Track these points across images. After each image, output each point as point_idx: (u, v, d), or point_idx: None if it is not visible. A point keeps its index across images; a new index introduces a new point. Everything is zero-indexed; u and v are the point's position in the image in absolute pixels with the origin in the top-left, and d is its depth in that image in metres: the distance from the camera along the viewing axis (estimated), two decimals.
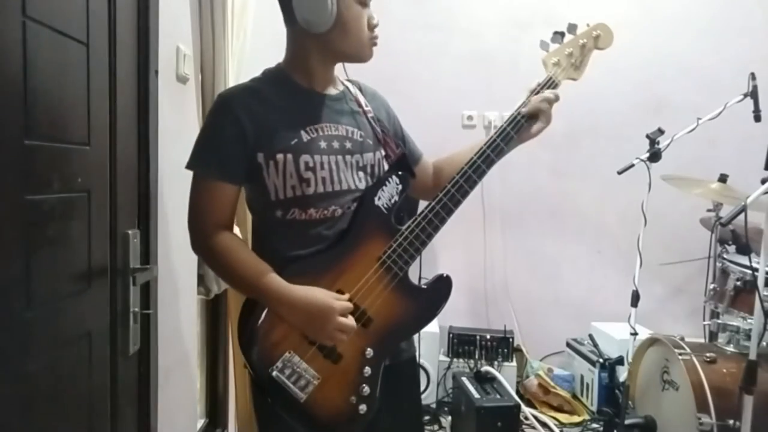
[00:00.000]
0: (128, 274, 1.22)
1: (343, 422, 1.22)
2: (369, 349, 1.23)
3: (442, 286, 1.31)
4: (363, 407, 1.22)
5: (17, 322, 0.90)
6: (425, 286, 1.32)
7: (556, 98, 1.34)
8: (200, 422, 2.10)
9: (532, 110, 1.32)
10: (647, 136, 2.45)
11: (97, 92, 1.12)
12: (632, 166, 2.45)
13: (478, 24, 3.36)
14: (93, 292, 1.12)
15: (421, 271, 1.39)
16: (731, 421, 1.93)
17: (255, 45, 2.00)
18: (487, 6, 3.36)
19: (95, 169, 1.14)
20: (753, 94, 2.51)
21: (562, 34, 1.42)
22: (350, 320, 1.20)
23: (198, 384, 1.99)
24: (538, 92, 1.35)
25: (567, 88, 1.40)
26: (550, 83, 1.37)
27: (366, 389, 1.22)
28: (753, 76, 2.53)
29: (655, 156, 2.43)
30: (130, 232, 1.24)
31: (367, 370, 1.22)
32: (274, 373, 1.17)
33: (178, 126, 1.59)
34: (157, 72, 1.37)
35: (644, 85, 3.30)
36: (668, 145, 2.45)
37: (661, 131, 2.46)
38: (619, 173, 2.47)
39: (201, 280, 1.84)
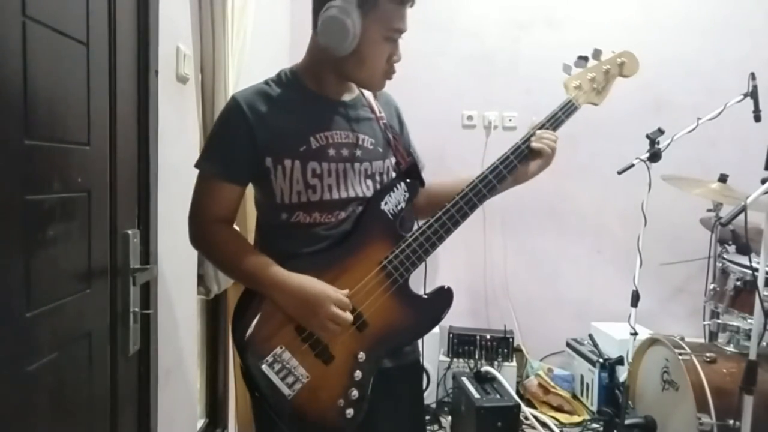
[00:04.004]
0: (128, 274, 1.22)
1: (328, 425, 1.19)
2: (362, 352, 1.21)
3: (442, 298, 1.29)
4: (350, 411, 1.19)
5: (17, 322, 0.90)
6: (425, 296, 1.29)
7: (556, 140, 1.32)
8: (200, 422, 2.10)
9: (537, 147, 1.29)
10: (647, 136, 2.45)
11: (97, 92, 1.12)
12: (632, 166, 2.45)
13: (478, 24, 3.36)
14: (93, 292, 1.12)
15: (426, 279, 1.37)
16: (731, 421, 1.92)
17: (255, 45, 2.00)
18: (487, 6, 3.35)
19: (95, 169, 1.13)
20: (753, 94, 2.51)
21: (586, 59, 1.40)
22: (345, 313, 1.17)
23: (198, 384, 1.99)
24: (543, 127, 1.33)
25: None
26: (570, 106, 1.36)
27: (355, 393, 1.20)
28: (753, 76, 2.52)
29: (655, 156, 2.42)
30: (130, 232, 1.24)
31: (358, 373, 1.20)
32: (263, 367, 1.16)
33: (178, 126, 1.59)
34: (157, 72, 1.37)
35: (644, 85, 3.28)
36: (668, 145, 2.45)
37: (661, 131, 2.45)
38: (619, 173, 2.47)
39: (201, 280, 1.84)
